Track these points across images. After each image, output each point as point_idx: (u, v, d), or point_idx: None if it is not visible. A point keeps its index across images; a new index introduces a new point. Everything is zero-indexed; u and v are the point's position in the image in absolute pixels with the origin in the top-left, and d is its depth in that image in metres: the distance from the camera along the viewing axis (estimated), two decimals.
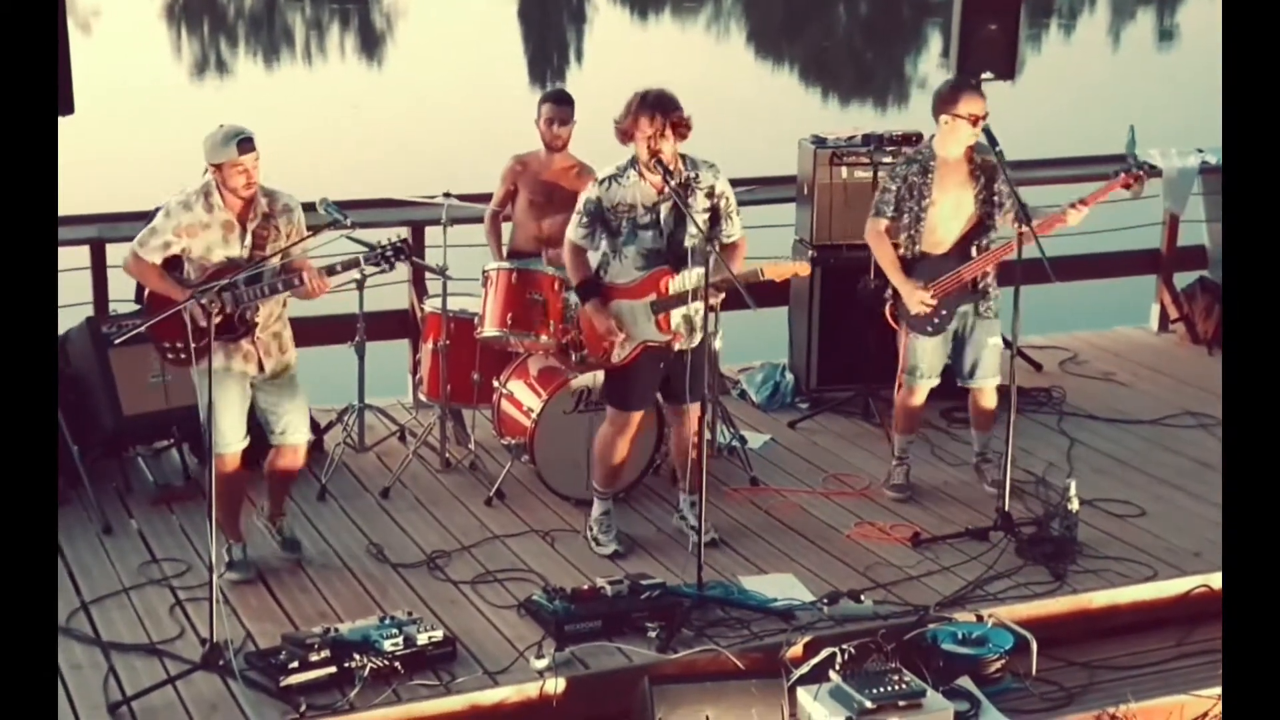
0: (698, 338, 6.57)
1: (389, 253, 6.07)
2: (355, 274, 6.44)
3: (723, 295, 6.42)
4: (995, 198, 6.99)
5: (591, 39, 31.67)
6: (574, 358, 6.86)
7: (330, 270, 6.17)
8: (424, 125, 19.97)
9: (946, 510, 7.23)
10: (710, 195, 6.49)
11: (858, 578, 6.52)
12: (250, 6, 34.15)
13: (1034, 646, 5.97)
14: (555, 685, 5.65)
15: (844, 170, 8.46)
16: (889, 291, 7.15)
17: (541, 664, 5.72)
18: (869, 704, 5.39)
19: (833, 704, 5.43)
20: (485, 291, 7.24)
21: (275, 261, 6.10)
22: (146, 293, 6.34)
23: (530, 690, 5.64)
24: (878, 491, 7.41)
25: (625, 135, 6.41)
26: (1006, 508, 6.82)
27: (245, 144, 5.98)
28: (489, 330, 7.19)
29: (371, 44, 30.01)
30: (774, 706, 5.58)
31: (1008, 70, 8.70)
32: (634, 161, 6.46)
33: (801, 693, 5.55)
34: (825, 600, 6.20)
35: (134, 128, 18.51)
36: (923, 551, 6.78)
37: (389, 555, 6.70)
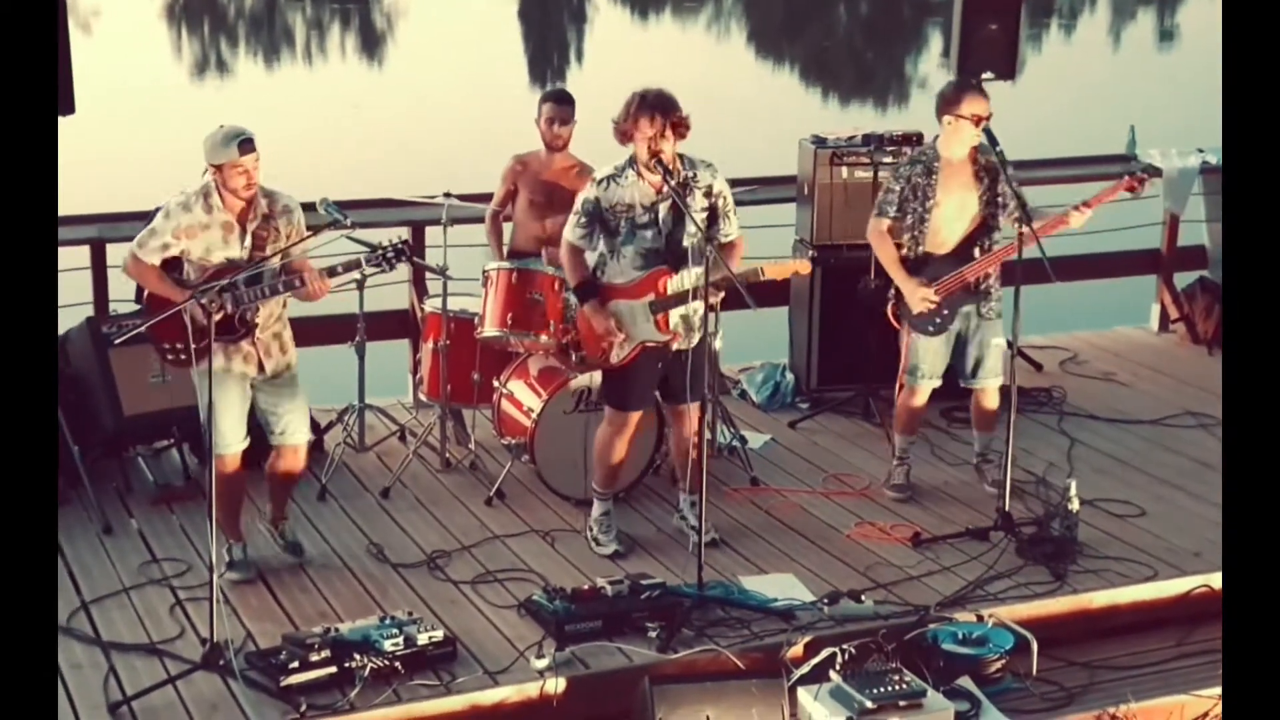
0: (695, 337, 6.57)
1: (390, 254, 6.07)
2: (356, 274, 6.44)
3: (722, 295, 6.42)
4: (999, 199, 6.99)
5: (592, 39, 31.67)
6: (574, 358, 6.86)
7: (331, 271, 6.17)
8: (424, 125, 19.97)
9: (947, 510, 7.23)
10: (708, 194, 6.49)
11: (858, 578, 6.52)
12: (250, 6, 34.15)
13: (1034, 646, 5.97)
14: (555, 685, 5.65)
15: (844, 170, 8.46)
16: (892, 290, 7.15)
17: (542, 664, 5.72)
18: (869, 704, 5.39)
19: (833, 704, 5.44)
20: (485, 291, 7.24)
21: (275, 262, 6.10)
22: (146, 293, 6.33)
23: (530, 690, 5.64)
24: (878, 491, 7.41)
25: (625, 136, 6.41)
26: (1007, 508, 6.82)
27: (246, 145, 5.97)
28: (489, 330, 7.19)
29: (372, 44, 30.01)
30: (774, 706, 5.58)
31: (1008, 70, 8.70)
32: (632, 161, 6.46)
33: (802, 693, 5.56)
34: (825, 600, 6.20)
35: (134, 128, 18.51)
36: (923, 551, 6.78)
37: (389, 555, 6.70)
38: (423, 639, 5.75)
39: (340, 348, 8.00)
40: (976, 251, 7.02)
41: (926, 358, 7.14)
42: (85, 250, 7.95)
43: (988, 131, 6.88)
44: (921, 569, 6.60)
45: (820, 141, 8.52)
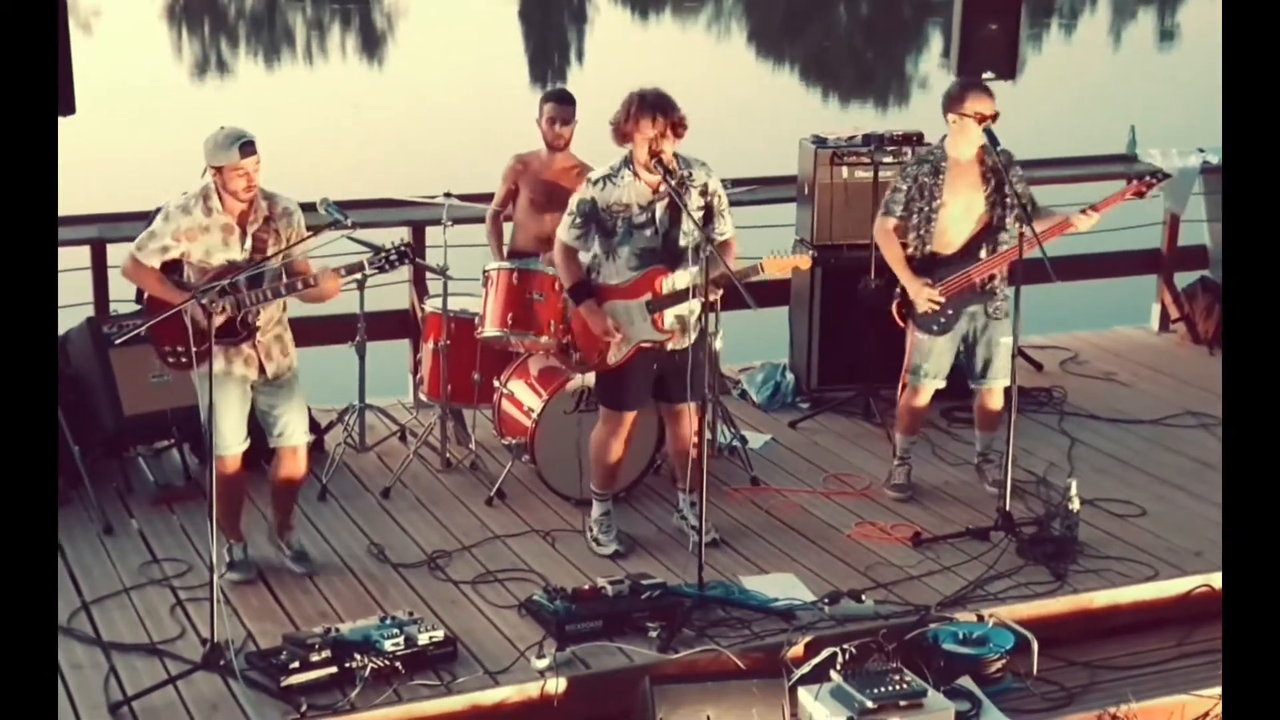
0: (690, 337, 6.57)
1: (393, 256, 6.06)
2: (357, 275, 6.42)
3: (720, 293, 6.41)
4: (1006, 199, 6.98)
5: (592, 39, 31.68)
6: (574, 357, 6.86)
7: (334, 273, 6.15)
8: (424, 125, 19.97)
9: (947, 510, 7.23)
10: (704, 193, 6.49)
11: (858, 577, 6.52)
12: (251, 7, 34.16)
13: (1035, 646, 5.98)
14: (556, 685, 5.65)
15: (844, 170, 8.46)
16: (898, 289, 7.14)
17: (542, 664, 5.72)
18: (870, 704, 5.39)
19: (834, 704, 5.44)
20: (486, 291, 7.24)
21: (276, 262, 6.09)
22: (147, 294, 6.32)
23: (531, 690, 5.64)
24: (878, 491, 7.41)
25: (624, 136, 6.41)
26: (1007, 507, 6.82)
27: (247, 148, 5.96)
28: (489, 330, 7.19)
29: (372, 44, 30.01)
30: (775, 706, 5.58)
31: (1008, 70, 8.70)
32: (627, 161, 6.46)
33: (802, 692, 5.56)
34: (826, 600, 6.20)
35: (134, 128, 18.51)
36: (923, 551, 6.78)
37: (390, 555, 6.70)
38: (423, 639, 5.75)
39: (340, 348, 8.00)
40: (983, 252, 7.02)
41: (930, 357, 7.14)
42: (85, 250, 7.96)
43: (988, 132, 6.88)
44: (922, 569, 6.60)
45: (820, 141, 8.53)
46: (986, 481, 7.37)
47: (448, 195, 7.61)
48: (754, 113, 18.98)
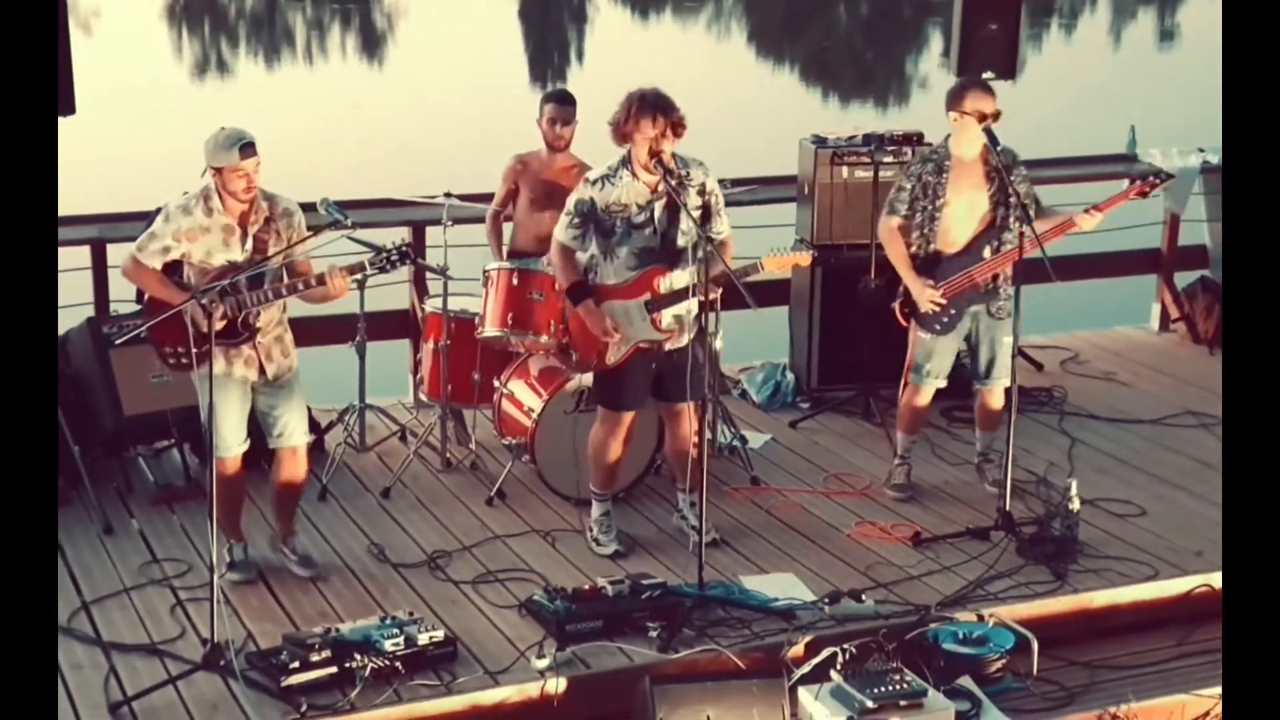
0: (687, 336, 6.57)
1: (394, 256, 6.06)
2: (358, 275, 6.42)
3: (719, 291, 6.41)
4: (1010, 199, 6.98)
5: (592, 39, 31.69)
6: (574, 357, 6.85)
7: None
8: (424, 125, 19.98)
9: (947, 510, 7.23)
10: (701, 193, 6.50)
11: (859, 577, 6.52)
12: (251, 7, 34.17)
13: (1035, 646, 5.98)
14: (556, 685, 5.65)
15: (844, 170, 8.46)
16: (901, 288, 7.14)
17: (542, 664, 5.72)
18: (870, 704, 5.39)
19: (834, 704, 5.44)
20: (486, 291, 7.25)
21: (276, 263, 6.09)
22: (147, 295, 6.32)
23: (531, 690, 5.64)
24: (879, 491, 7.41)
25: (624, 136, 6.41)
26: (1007, 507, 6.82)
27: (247, 149, 5.95)
28: (490, 330, 7.19)
29: (372, 44, 30.02)
30: (775, 706, 5.58)
31: (1008, 70, 8.70)
32: (625, 161, 6.46)
33: (803, 692, 5.56)
34: (826, 600, 6.20)
35: (134, 128, 18.51)
36: (924, 551, 6.78)
37: (390, 555, 6.70)
38: (423, 639, 5.75)
39: (341, 348, 8.00)
40: (986, 251, 7.02)
41: (933, 357, 7.14)
42: (85, 250, 7.95)
43: (988, 131, 6.87)
44: (922, 568, 6.60)
45: (820, 141, 8.53)
46: (987, 481, 7.37)
47: (448, 195, 7.61)
48: (754, 113, 18.98)
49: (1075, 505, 6.72)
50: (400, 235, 6.96)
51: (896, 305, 7.17)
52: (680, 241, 6.48)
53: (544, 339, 7.08)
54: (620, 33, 31.81)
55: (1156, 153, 9.71)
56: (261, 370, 6.21)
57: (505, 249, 7.74)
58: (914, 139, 8.42)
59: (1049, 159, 9.92)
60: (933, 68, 26.03)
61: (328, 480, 7.38)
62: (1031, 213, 6.88)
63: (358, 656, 5.59)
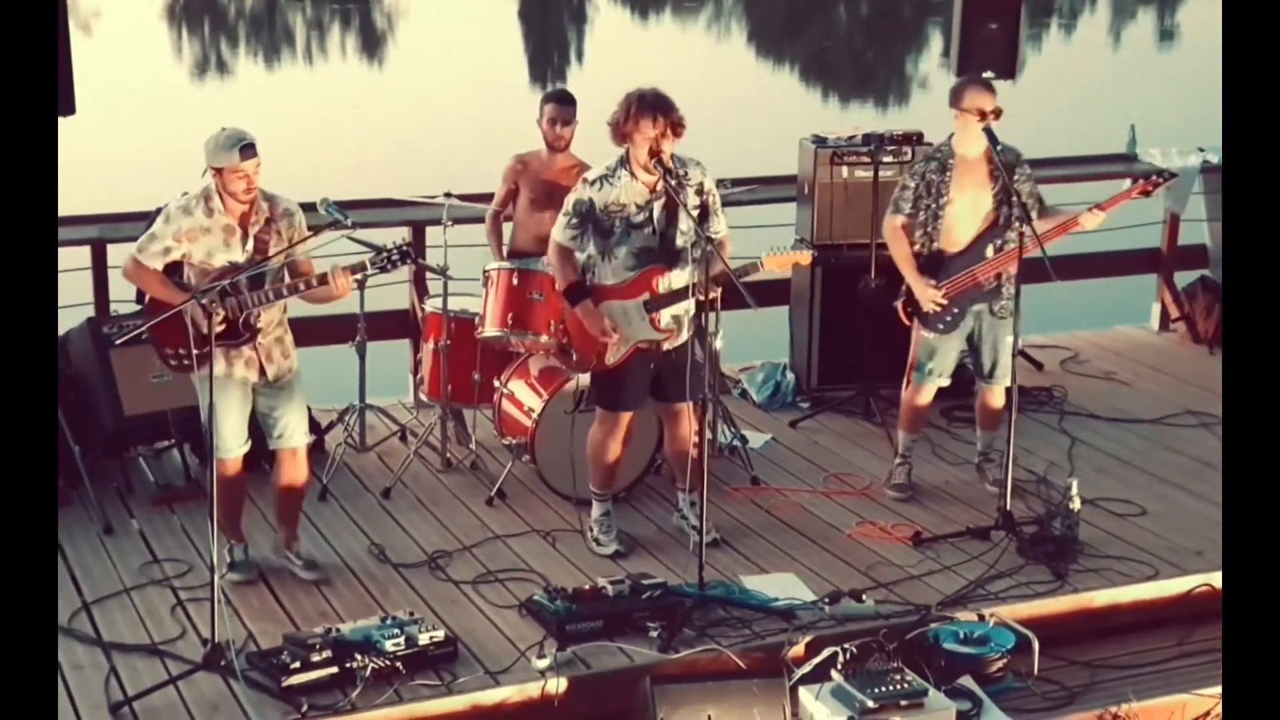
0: (684, 336, 6.56)
1: (394, 256, 6.05)
2: (359, 275, 6.41)
3: (719, 291, 6.41)
4: (1014, 198, 6.98)
5: (592, 39, 31.68)
6: (574, 357, 6.85)
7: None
8: (424, 125, 19.97)
9: (948, 509, 7.23)
10: (699, 192, 6.50)
11: (859, 577, 6.52)
12: (251, 7, 34.16)
13: (1035, 646, 5.98)
14: (557, 685, 5.65)
15: (844, 170, 8.46)
16: (904, 286, 7.14)
17: (543, 664, 5.72)
18: (871, 703, 5.39)
19: (834, 703, 5.44)
20: (486, 291, 7.25)
21: (277, 263, 6.09)
22: (148, 295, 6.32)
23: (532, 690, 5.64)
24: (879, 491, 7.41)
25: (624, 136, 6.41)
26: (1008, 507, 6.82)
27: (247, 150, 5.94)
28: (490, 330, 7.19)
29: (372, 44, 30.02)
30: (776, 706, 5.58)
31: (1008, 69, 8.70)
32: (624, 161, 6.46)
33: (803, 692, 5.56)
34: (827, 600, 6.20)
35: (134, 128, 18.51)
36: (924, 551, 6.78)
37: (390, 555, 6.70)
38: (424, 639, 5.75)
39: (341, 348, 8.00)
40: (989, 250, 7.01)
41: (935, 356, 7.14)
42: (86, 251, 7.96)
43: (988, 131, 6.88)
44: (922, 568, 6.60)
45: (820, 141, 8.53)
46: (987, 481, 7.37)
47: (448, 195, 7.61)
48: (754, 113, 18.98)
49: (1076, 505, 6.72)
50: (400, 235, 6.95)
51: (899, 304, 7.18)
52: (679, 241, 6.48)
53: (544, 339, 7.09)
54: (620, 33, 31.80)
55: (1156, 152, 9.72)
56: (262, 371, 6.21)
57: (505, 249, 7.74)
58: (914, 139, 8.42)
59: (1049, 159, 9.91)
60: (933, 68, 26.03)
61: (328, 480, 7.38)
62: (1035, 212, 6.88)
63: (358, 657, 5.59)
